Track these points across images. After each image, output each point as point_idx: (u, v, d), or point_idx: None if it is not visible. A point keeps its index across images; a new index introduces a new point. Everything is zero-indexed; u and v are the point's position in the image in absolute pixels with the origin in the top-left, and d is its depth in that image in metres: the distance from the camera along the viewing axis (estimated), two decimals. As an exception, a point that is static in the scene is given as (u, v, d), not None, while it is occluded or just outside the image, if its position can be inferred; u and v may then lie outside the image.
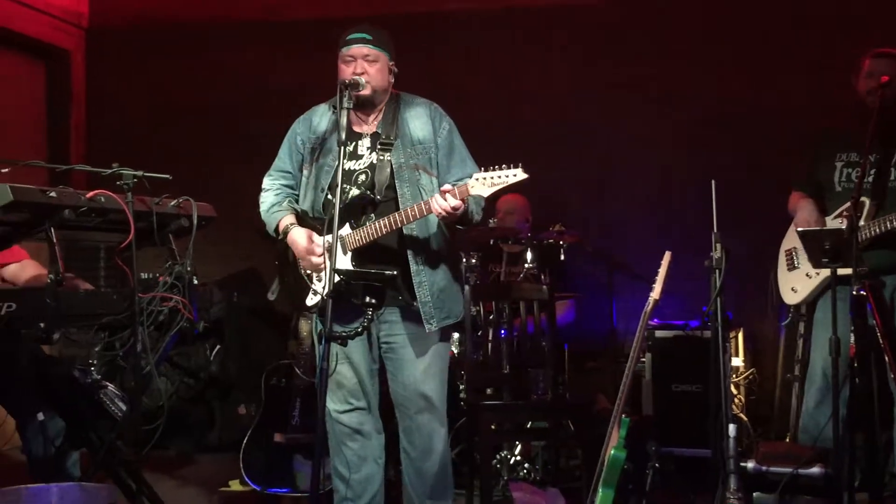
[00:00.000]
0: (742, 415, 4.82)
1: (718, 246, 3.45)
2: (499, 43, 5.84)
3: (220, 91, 6.16)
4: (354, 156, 3.34)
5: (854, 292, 3.35)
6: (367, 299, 3.15)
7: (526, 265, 4.76)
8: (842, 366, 3.49)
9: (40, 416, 3.51)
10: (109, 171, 3.13)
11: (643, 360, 4.75)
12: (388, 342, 3.37)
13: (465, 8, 5.86)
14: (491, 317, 4.36)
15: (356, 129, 3.37)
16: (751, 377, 5.03)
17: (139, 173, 3.13)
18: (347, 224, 3.22)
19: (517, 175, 3.04)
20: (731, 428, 3.39)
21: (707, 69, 5.52)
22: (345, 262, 3.21)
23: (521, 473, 4.41)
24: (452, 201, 3.05)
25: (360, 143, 3.36)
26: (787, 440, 4.52)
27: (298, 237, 3.33)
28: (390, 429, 3.56)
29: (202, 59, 6.21)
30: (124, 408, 3.92)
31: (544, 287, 4.36)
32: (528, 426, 4.38)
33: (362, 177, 3.31)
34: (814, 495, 3.56)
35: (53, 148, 6.16)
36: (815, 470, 3.56)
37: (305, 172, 3.44)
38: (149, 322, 3.15)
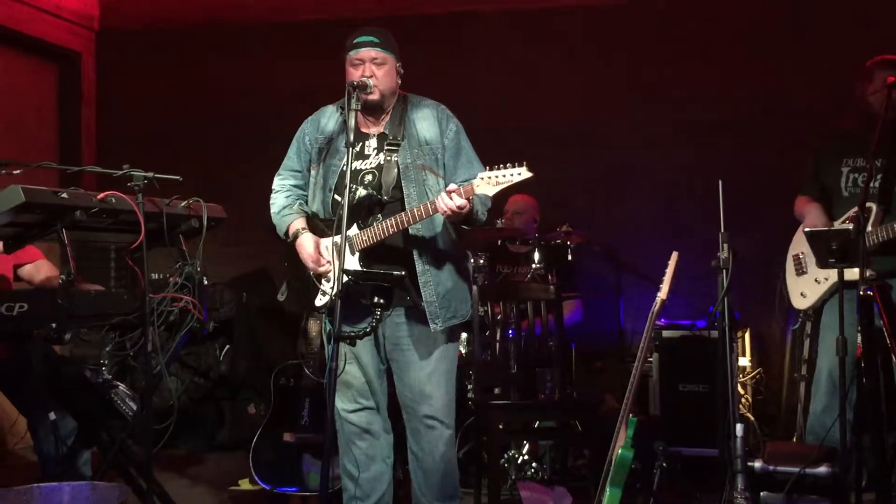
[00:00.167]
0: (749, 414, 4.81)
1: (725, 246, 3.45)
2: (506, 44, 5.84)
3: (230, 93, 6.18)
4: (361, 156, 3.35)
5: (861, 293, 3.35)
6: (376, 299, 3.18)
7: (533, 265, 4.76)
8: (849, 367, 3.49)
9: (52, 416, 3.54)
10: (120, 172, 3.13)
11: (650, 359, 4.73)
12: (395, 343, 3.38)
13: (473, 10, 5.87)
14: (499, 317, 4.37)
15: (363, 129, 3.38)
16: (757, 377, 5.02)
17: (150, 174, 3.14)
18: (355, 224, 3.24)
19: (522, 174, 3.04)
20: (739, 427, 3.39)
21: (715, 71, 5.52)
22: (353, 262, 3.22)
23: (529, 472, 4.42)
24: (458, 200, 3.06)
25: (367, 143, 3.37)
26: (794, 440, 4.52)
27: (306, 244, 3.35)
28: (398, 428, 3.56)
29: (212, 61, 6.22)
30: (135, 407, 3.94)
31: (551, 287, 4.37)
32: (536, 425, 4.39)
33: (369, 177, 3.33)
34: (821, 495, 3.54)
35: (65, 149, 6.17)
36: (823, 470, 3.53)
37: (313, 172, 3.46)
38: (159, 322, 3.16)
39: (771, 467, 3.60)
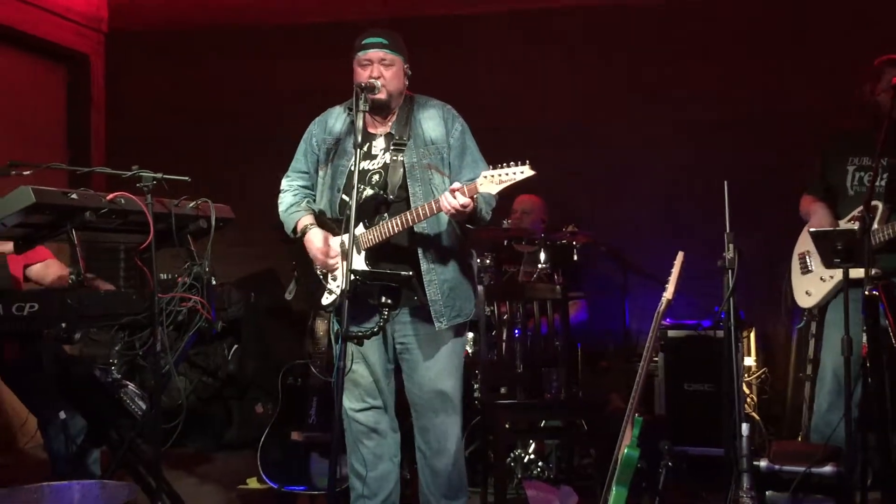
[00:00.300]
0: (754, 414, 4.80)
1: (731, 246, 3.45)
2: (508, 45, 5.85)
3: (238, 94, 6.20)
4: (368, 156, 3.36)
5: (866, 292, 3.36)
6: (383, 299, 3.20)
7: (539, 265, 4.76)
8: (854, 366, 3.49)
9: (62, 415, 3.56)
10: (129, 173, 3.16)
11: (656, 359, 4.73)
12: (402, 342, 3.39)
13: (478, 11, 5.87)
14: (505, 316, 4.38)
15: (370, 130, 3.39)
16: (763, 376, 5.02)
17: (158, 175, 3.16)
18: (361, 224, 3.25)
19: (524, 172, 3.05)
20: (744, 427, 3.39)
21: (720, 72, 5.51)
22: (359, 261, 3.24)
23: (535, 471, 4.42)
24: (461, 199, 3.07)
25: (373, 143, 3.39)
26: (799, 439, 4.52)
27: (315, 238, 3.36)
28: (405, 427, 3.58)
29: (219, 63, 6.24)
30: (144, 406, 3.96)
31: (557, 287, 4.38)
32: (542, 425, 4.39)
33: (376, 177, 3.34)
34: (826, 494, 3.54)
35: (74, 151, 6.19)
36: (828, 469, 3.54)
37: (321, 173, 3.48)
38: (168, 322, 3.18)
39: (776, 466, 3.61)
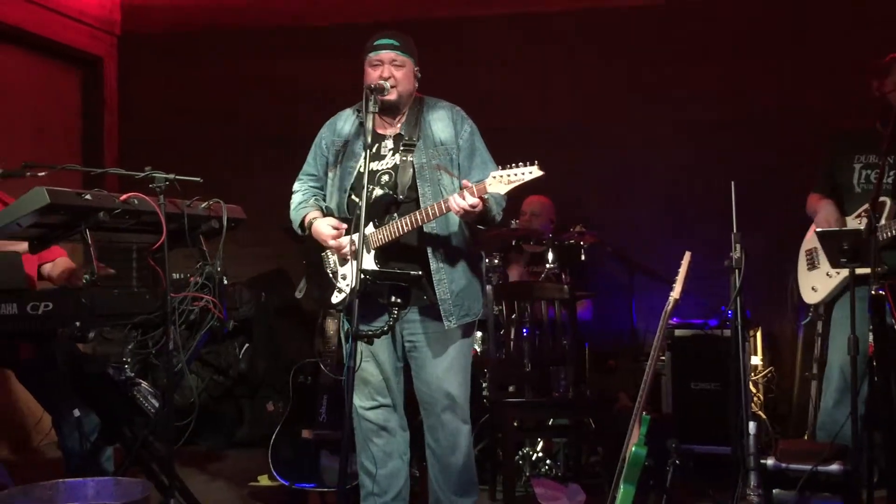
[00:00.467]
0: (760, 412, 4.81)
1: (738, 246, 3.47)
2: (517, 48, 5.86)
3: (248, 96, 6.22)
4: (377, 157, 3.38)
5: (873, 291, 3.37)
6: (393, 299, 3.22)
7: (547, 265, 4.78)
8: (860, 364, 3.50)
9: (76, 413, 3.57)
10: (142, 174, 3.17)
11: (663, 358, 4.73)
12: (411, 341, 3.41)
13: (487, 14, 5.88)
14: (513, 316, 4.40)
15: (380, 130, 3.41)
16: (769, 375, 5.02)
17: (171, 176, 3.17)
18: (371, 223, 3.27)
19: (533, 172, 3.06)
20: (752, 425, 3.41)
21: (722, 72, 5.52)
22: (368, 259, 3.25)
23: (543, 469, 4.44)
24: (470, 199, 3.08)
25: (383, 144, 3.41)
26: (805, 437, 4.53)
27: (321, 226, 3.39)
28: (415, 425, 3.60)
29: (231, 65, 6.27)
30: (157, 404, 3.99)
31: (565, 287, 4.39)
32: (550, 423, 4.41)
33: (385, 177, 3.36)
34: (833, 492, 3.55)
35: (87, 152, 6.22)
36: (835, 467, 3.54)
37: (330, 175, 3.50)
38: (180, 321, 3.19)
39: (783, 465, 3.60)
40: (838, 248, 3.42)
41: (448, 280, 3.33)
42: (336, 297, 3.41)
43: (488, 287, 4.17)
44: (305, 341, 5.56)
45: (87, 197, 3.01)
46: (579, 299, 4.79)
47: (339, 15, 6.07)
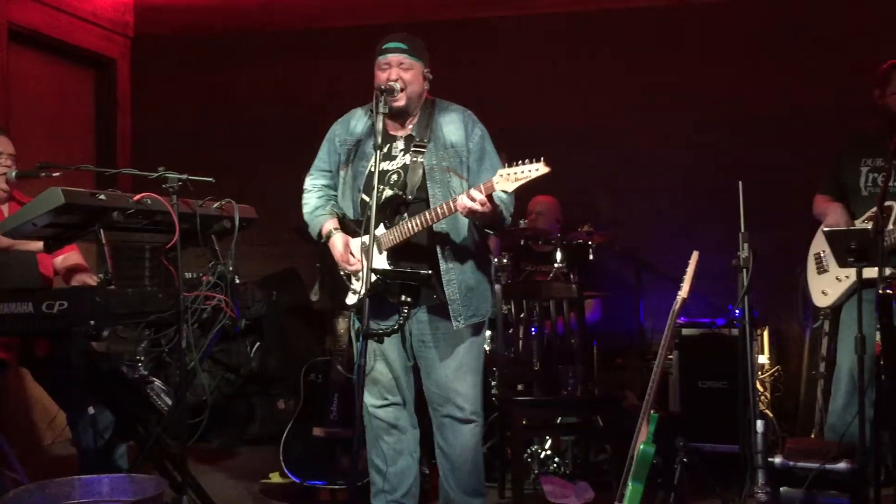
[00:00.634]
0: (767, 411, 4.81)
1: (746, 245, 3.49)
2: (528, 48, 5.87)
3: (260, 97, 6.25)
4: (388, 157, 3.40)
5: (880, 291, 3.37)
6: (403, 298, 3.25)
7: (556, 265, 4.79)
8: (868, 365, 3.50)
9: (90, 410, 3.59)
10: (155, 174, 3.20)
11: (670, 357, 4.73)
12: (421, 340, 3.42)
13: (496, 15, 5.89)
14: (522, 315, 4.41)
15: (391, 131, 3.43)
16: (776, 374, 5.02)
17: (183, 177, 3.20)
18: (382, 224, 3.29)
19: (539, 169, 3.06)
20: (759, 424, 3.43)
21: (734, 72, 5.51)
22: (381, 260, 3.28)
23: (552, 467, 4.45)
24: (478, 196, 3.10)
25: (394, 144, 3.42)
26: (812, 436, 4.54)
27: (337, 243, 3.41)
28: (425, 423, 3.61)
29: (243, 67, 6.30)
30: (170, 402, 4.04)
31: (574, 286, 4.41)
32: (558, 421, 4.43)
33: (395, 177, 3.38)
34: (840, 490, 3.55)
35: (101, 153, 6.25)
36: (842, 465, 3.55)
37: (342, 173, 3.52)
38: (193, 320, 3.21)
39: (791, 463, 3.62)
40: (846, 247, 3.43)
41: (457, 280, 3.34)
42: (350, 299, 3.43)
43: (497, 286, 4.19)
44: (316, 340, 5.61)
45: (102, 197, 3.04)
46: (588, 298, 4.81)
47: (350, 17, 6.09)
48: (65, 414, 3.79)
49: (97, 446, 3.63)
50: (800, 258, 4.29)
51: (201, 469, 4.61)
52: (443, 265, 3.34)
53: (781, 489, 3.60)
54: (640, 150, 5.63)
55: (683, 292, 3.31)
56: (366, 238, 3.16)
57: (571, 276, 4.75)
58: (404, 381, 3.50)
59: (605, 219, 5.27)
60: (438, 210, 3.20)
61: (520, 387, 4.43)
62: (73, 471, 3.48)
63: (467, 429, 3.44)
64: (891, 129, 3.78)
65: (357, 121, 3.53)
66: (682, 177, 5.54)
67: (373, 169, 3.20)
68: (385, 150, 3.37)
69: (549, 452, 4.50)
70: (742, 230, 3.53)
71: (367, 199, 3.33)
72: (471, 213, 3.16)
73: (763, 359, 4.98)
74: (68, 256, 3.82)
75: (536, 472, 4.42)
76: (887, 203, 3.75)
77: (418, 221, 3.23)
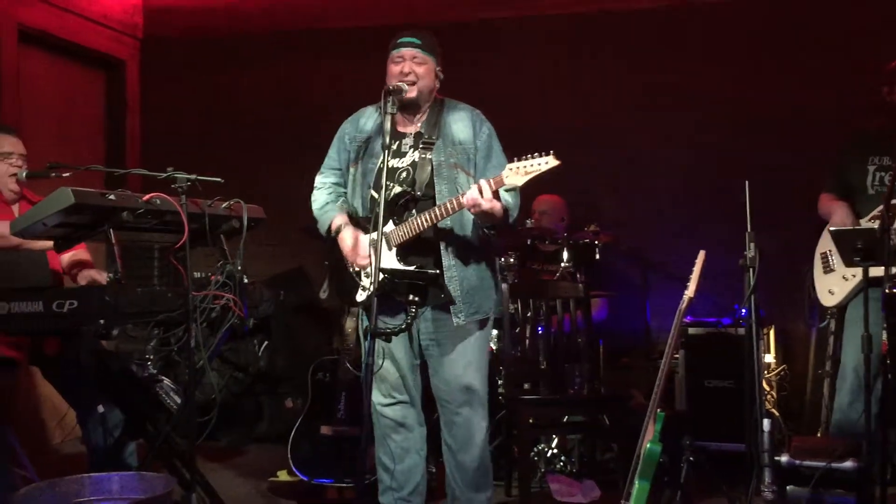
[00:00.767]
0: (774, 410, 4.81)
1: (752, 245, 3.49)
2: (529, 48, 5.87)
3: (267, 98, 6.26)
4: (397, 154, 3.42)
5: (887, 290, 3.38)
6: (411, 297, 3.26)
7: (562, 264, 4.80)
8: (874, 363, 3.51)
9: (100, 409, 3.61)
10: (164, 174, 3.22)
11: (676, 356, 4.74)
12: (428, 338, 3.44)
13: (498, 16, 5.90)
14: (528, 314, 4.42)
15: (400, 128, 3.46)
16: (782, 373, 5.02)
17: (192, 177, 3.22)
18: (390, 221, 3.30)
19: (549, 162, 3.08)
20: (766, 422, 3.43)
21: (735, 72, 5.50)
22: (390, 257, 3.29)
23: (558, 466, 4.46)
24: (486, 191, 3.12)
25: (403, 141, 3.44)
26: (818, 435, 4.54)
27: (346, 238, 3.43)
28: (431, 421, 3.64)
29: (251, 68, 6.31)
30: (179, 400, 4.06)
31: (580, 285, 4.42)
32: (565, 420, 4.44)
33: (404, 174, 3.40)
34: (847, 489, 3.55)
35: (110, 153, 6.27)
36: (849, 464, 3.54)
37: (352, 170, 3.54)
38: (202, 319, 3.22)
39: (797, 462, 3.61)
40: (852, 246, 3.43)
41: (459, 278, 3.36)
42: (360, 296, 3.44)
43: (504, 286, 4.20)
44: (324, 339, 5.62)
45: (111, 197, 3.06)
46: (594, 297, 4.81)
47: (358, 18, 6.10)
48: (75, 412, 3.82)
49: (107, 444, 3.65)
50: (802, 258, 4.30)
51: (210, 467, 4.66)
52: (445, 262, 3.36)
53: (788, 488, 3.60)
54: (641, 150, 5.62)
55: (690, 291, 3.32)
56: (375, 234, 3.18)
57: (578, 276, 4.76)
58: (411, 379, 3.51)
59: (607, 219, 5.26)
60: (447, 206, 3.22)
61: (526, 385, 4.44)
62: (83, 469, 3.51)
63: (475, 425, 3.45)
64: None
65: (367, 118, 3.56)
66: (683, 177, 5.54)
67: (382, 166, 3.21)
68: (395, 147, 3.40)
69: (555, 451, 4.51)
70: (748, 230, 3.53)
71: (376, 195, 3.35)
72: (477, 209, 3.16)
73: (769, 358, 4.98)
74: (76, 254, 3.84)
75: (543, 470, 4.44)
76: (894, 202, 3.75)
77: (426, 218, 3.25)
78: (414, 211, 3.33)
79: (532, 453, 4.43)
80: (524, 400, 4.14)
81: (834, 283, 4.08)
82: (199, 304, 3.22)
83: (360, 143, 3.52)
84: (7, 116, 5.07)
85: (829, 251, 4.10)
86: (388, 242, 3.29)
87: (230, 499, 3.92)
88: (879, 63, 4.07)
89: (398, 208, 3.34)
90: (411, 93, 3.34)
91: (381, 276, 3.14)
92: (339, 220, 3.49)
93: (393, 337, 3.28)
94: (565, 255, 4.81)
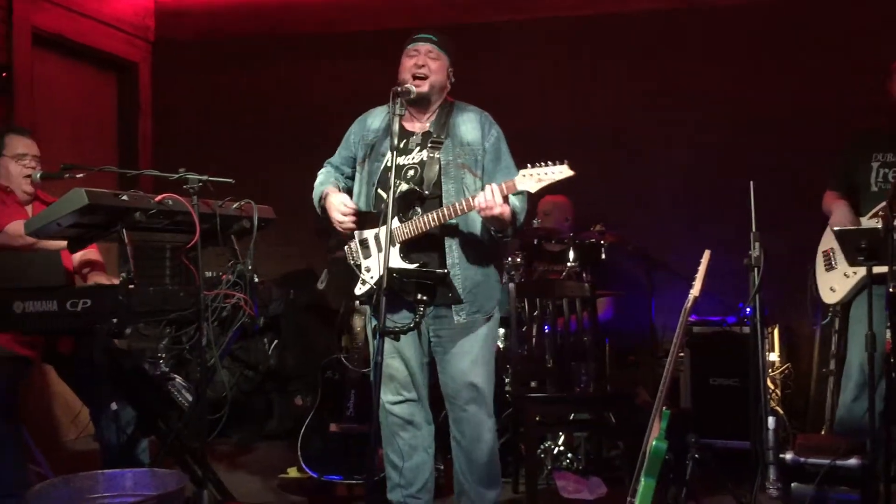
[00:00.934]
0: (778, 408, 4.83)
1: (757, 245, 3.51)
2: (530, 49, 5.88)
3: (279, 100, 6.29)
4: (405, 152, 3.43)
5: (891, 289, 3.39)
6: (419, 296, 3.29)
7: (568, 264, 4.81)
8: (878, 361, 3.52)
9: (113, 406, 3.63)
10: (176, 175, 3.26)
11: (681, 354, 4.75)
12: (436, 336, 3.46)
13: (511, 19, 5.92)
14: (535, 313, 4.45)
15: (408, 126, 3.47)
16: (786, 371, 5.03)
17: (204, 177, 3.26)
18: (396, 218, 3.30)
19: (563, 171, 3.12)
20: (771, 420, 3.45)
21: (736, 73, 5.51)
22: (394, 254, 3.29)
23: (565, 463, 4.48)
24: (498, 196, 3.15)
25: (411, 139, 3.46)
26: (822, 433, 4.54)
27: (333, 199, 3.45)
28: (439, 419, 3.67)
29: (262, 70, 6.34)
30: (190, 398, 4.10)
31: (586, 285, 4.43)
32: (571, 418, 4.46)
33: (411, 172, 3.41)
34: (851, 486, 3.55)
35: (123, 154, 6.31)
36: (853, 461, 3.54)
37: (359, 169, 3.56)
38: (213, 318, 3.26)
39: (802, 459, 3.59)
40: (856, 246, 3.44)
41: (462, 276, 3.38)
42: (359, 289, 3.44)
43: (511, 285, 4.23)
44: (333, 337, 5.63)
45: (124, 198, 3.10)
46: (600, 297, 4.83)
47: (368, 21, 6.12)
48: (88, 410, 3.85)
49: (119, 441, 3.68)
50: (805, 257, 4.31)
51: (221, 464, 4.69)
52: (449, 260, 3.37)
53: (792, 485, 3.59)
54: (651, 151, 5.63)
55: (695, 290, 3.31)
56: (381, 231, 3.21)
57: (584, 275, 4.77)
58: (420, 377, 3.53)
59: (609, 219, 5.27)
60: (456, 206, 3.24)
61: (533, 384, 4.45)
62: (96, 465, 3.56)
63: (483, 421, 3.47)
64: None
65: (374, 118, 3.59)
66: (684, 177, 5.54)
67: (389, 164, 3.23)
68: (402, 145, 3.42)
69: (562, 448, 4.53)
70: (753, 229, 3.55)
71: (382, 193, 3.38)
72: (488, 212, 3.18)
73: (773, 356, 4.99)
74: (86, 253, 3.88)
75: (550, 467, 4.45)
76: None
77: (434, 217, 3.27)
78: (419, 209, 3.36)
79: (539, 450, 4.44)
80: (531, 398, 4.14)
81: (835, 281, 4.09)
82: (211, 303, 3.26)
83: (367, 142, 3.54)
84: (21, 118, 5.11)
85: (832, 249, 4.10)
86: (392, 239, 3.30)
87: (241, 495, 3.96)
88: (878, 64, 4.08)
89: (404, 206, 3.36)
90: (423, 87, 3.38)
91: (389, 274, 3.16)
92: (329, 189, 3.52)
93: (401, 335, 3.30)
94: (571, 254, 4.82)
